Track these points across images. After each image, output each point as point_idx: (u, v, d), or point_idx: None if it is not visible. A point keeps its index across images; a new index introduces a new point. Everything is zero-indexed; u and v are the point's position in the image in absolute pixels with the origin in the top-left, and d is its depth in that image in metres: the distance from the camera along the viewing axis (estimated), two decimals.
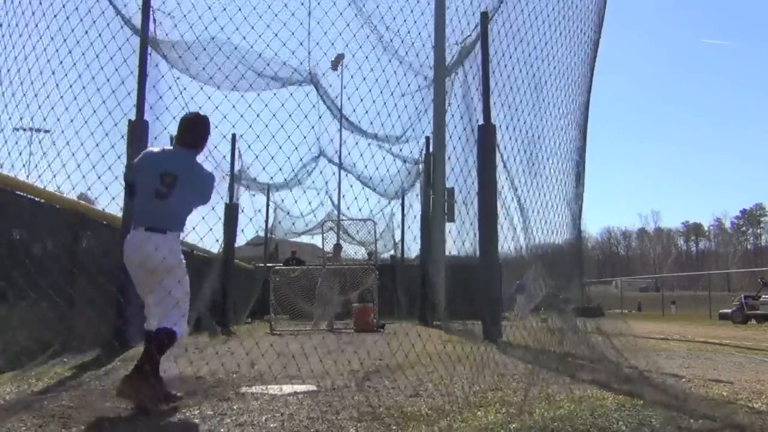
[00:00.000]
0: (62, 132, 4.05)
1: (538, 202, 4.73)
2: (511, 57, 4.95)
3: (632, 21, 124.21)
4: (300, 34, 4.34)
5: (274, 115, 3.65)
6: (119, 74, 4.45)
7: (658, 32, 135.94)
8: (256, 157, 3.66)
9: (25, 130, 4.69)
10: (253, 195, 14.56)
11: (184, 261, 3.84)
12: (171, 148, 3.98)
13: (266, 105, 3.68)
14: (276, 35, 4.22)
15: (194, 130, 3.93)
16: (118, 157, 3.90)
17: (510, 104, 4.83)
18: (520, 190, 4.94)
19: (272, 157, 3.66)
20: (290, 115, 3.75)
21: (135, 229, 3.79)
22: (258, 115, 3.57)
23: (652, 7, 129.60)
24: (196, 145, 3.95)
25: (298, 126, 3.79)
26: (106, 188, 3.71)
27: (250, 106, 3.59)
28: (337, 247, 14.20)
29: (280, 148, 3.65)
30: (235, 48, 4.85)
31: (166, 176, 3.72)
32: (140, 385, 3.47)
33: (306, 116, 3.90)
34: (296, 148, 3.84)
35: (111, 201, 4.26)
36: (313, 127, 3.97)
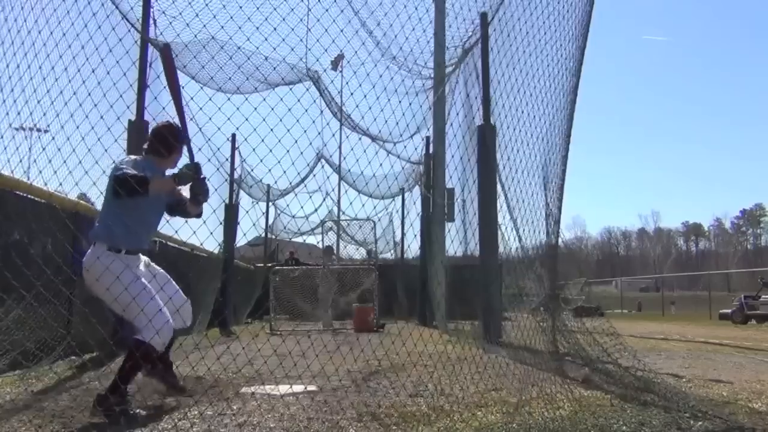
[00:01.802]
0: (62, 128, 4.03)
1: (535, 203, 4.72)
2: (512, 57, 4.95)
3: (633, 17, 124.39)
4: (300, 31, 4.33)
5: (280, 120, 3.62)
6: (119, 73, 4.42)
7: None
8: (261, 160, 3.63)
9: (24, 129, 4.68)
10: (255, 203, 14.61)
11: (114, 268, 3.44)
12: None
13: (271, 108, 3.64)
14: (275, 30, 4.19)
15: (148, 136, 3.83)
16: (113, 161, 3.87)
17: (510, 104, 4.82)
18: (517, 190, 4.94)
19: (278, 161, 3.62)
20: (292, 113, 3.73)
21: None
22: (264, 120, 3.55)
23: (656, 4, 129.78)
24: (146, 151, 3.77)
25: (303, 129, 3.76)
26: (102, 193, 3.66)
27: (255, 110, 3.56)
28: (328, 249, 14.25)
29: (287, 152, 3.62)
30: (230, 38, 4.83)
31: None
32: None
33: (306, 112, 3.87)
34: (301, 154, 3.80)
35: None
36: (313, 124, 3.94)
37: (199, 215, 3.91)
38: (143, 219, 3.63)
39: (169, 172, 3.79)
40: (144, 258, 3.79)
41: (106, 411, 3.30)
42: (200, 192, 3.66)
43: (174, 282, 3.92)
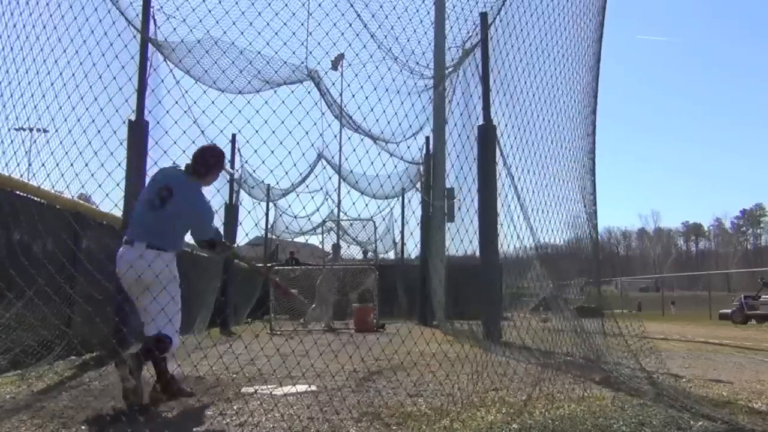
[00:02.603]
0: (57, 130, 4.05)
1: (540, 202, 4.72)
2: (513, 57, 4.95)
3: (633, 16, 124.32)
4: (301, 33, 4.34)
5: (282, 121, 3.64)
6: (119, 74, 4.42)
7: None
8: (263, 162, 3.66)
9: (25, 129, 4.69)
10: (257, 203, 14.64)
11: (177, 277, 3.90)
12: (182, 169, 4.04)
13: (273, 110, 3.66)
14: (274, 31, 4.20)
15: (200, 158, 3.99)
16: (119, 164, 3.92)
17: (510, 104, 4.83)
18: (520, 189, 4.95)
19: (280, 162, 3.65)
20: (294, 115, 3.74)
21: (127, 244, 3.82)
22: (266, 122, 3.56)
23: (657, 3, 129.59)
24: (200, 174, 4.02)
25: (305, 131, 3.78)
26: (107, 195, 3.71)
27: (258, 112, 3.58)
28: (336, 248, 14.22)
29: (289, 153, 3.64)
30: (232, 43, 4.84)
31: (163, 189, 3.83)
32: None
33: (307, 113, 3.89)
34: (303, 154, 3.83)
35: (113, 207, 4.26)
36: (314, 125, 3.96)
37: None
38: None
39: None
40: None
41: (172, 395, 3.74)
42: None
43: None
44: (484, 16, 7.16)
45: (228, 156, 11.43)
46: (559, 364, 4.59)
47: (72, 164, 3.71)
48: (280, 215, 18.63)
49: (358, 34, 4.41)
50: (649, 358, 5.22)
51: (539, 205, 4.68)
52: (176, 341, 3.88)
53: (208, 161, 4.00)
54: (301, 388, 4.28)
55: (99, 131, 3.82)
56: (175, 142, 3.94)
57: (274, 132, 3.62)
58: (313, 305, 12.02)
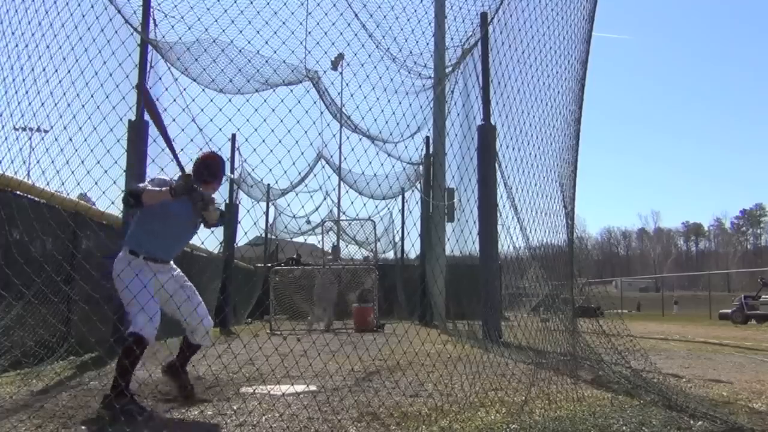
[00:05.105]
0: (62, 129, 4.03)
1: (535, 203, 4.73)
2: (511, 57, 4.95)
3: (630, 12, 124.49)
4: (300, 34, 4.34)
5: (281, 120, 3.62)
6: (117, 73, 4.41)
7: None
8: (262, 161, 3.63)
9: (24, 129, 4.68)
10: (255, 203, 14.65)
11: (126, 271, 3.57)
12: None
13: (272, 109, 3.63)
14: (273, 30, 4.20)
15: (205, 169, 3.80)
16: (115, 162, 3.88)
17: (509, 104, 4.82)
18: (516, 189, 4.95)
19: (279, 162, 3.63)
20: (293, 114, 3.73)
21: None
22: (265, 120, 3.54)
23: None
24: (205, 182, 3.81)
25: (304, 130, 3.76)
26: (104, 192, 3.68)
27: (256, 110, 3.56)
28: (335, 249, 14.25)
29: (288, 152, 3.63)
30: (231, 41, 4.84)
31: None
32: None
33: (306, 112, 3.87)
34: (302, 153, 3.80)
35: (110, 205, 4.22)
36: (314, 124, 3.94)
37: (214, 224, 3.94)
38: (164, 229, 3.70)
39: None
40: (173, 271, 3.85)
41: (111, 410, 3.29)
42: (197, 200, 3.71)
43: (199, 299, 3.97)
44: (483, 15, 7.16)
45: (227, 156, 11.48)
46: (558, 363, 4.60)
47: (78, 153, 3.69)
48: (279, 214, 18.65)
49: (356, 34, 4.41)
50: (647, 358, 5.21)
51: (535, 205, 4.68)
52: (138, 327, 3.47)
53: (216, 173, 3.82)
54: (300, 387, 4.28)
55: (95, 128, 3.79)
56: (173, 140, 3.90)
57: (273, 131, 3.61)
58: (316, 306, 12.04)
